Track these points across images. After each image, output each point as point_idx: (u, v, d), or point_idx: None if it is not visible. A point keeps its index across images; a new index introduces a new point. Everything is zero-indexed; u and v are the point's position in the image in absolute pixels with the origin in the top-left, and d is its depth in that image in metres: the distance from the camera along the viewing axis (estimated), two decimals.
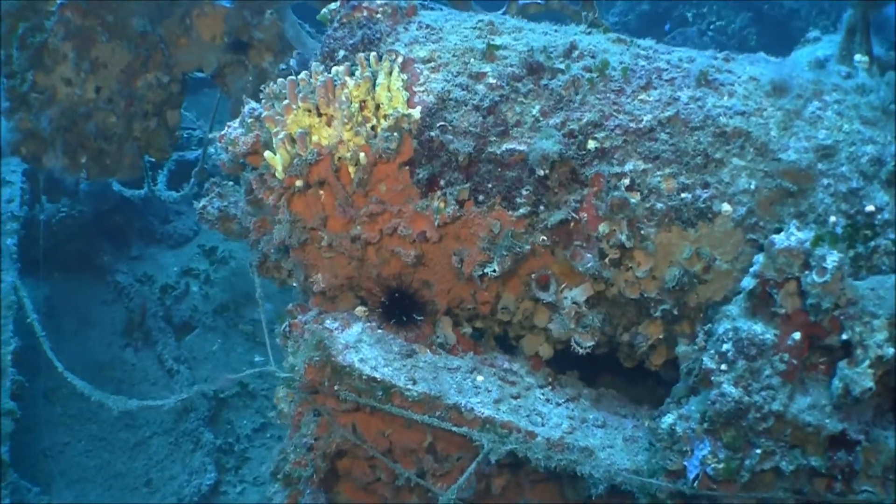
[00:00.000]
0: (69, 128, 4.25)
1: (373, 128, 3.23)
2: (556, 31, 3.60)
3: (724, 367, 2.93)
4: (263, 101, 3.31)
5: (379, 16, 3.56)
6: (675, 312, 3.28)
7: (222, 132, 3.51)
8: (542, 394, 3.39)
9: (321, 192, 3.31)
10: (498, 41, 3.44)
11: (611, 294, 3.35)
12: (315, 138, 3.19)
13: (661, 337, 3.39)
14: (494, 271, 3.23)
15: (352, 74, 3.26)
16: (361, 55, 3.22)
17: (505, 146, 3.27)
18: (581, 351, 3.31)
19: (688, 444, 3.03)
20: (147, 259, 7.23)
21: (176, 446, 5.99)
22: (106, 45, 4.20)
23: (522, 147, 3.25)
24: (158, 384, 6.25)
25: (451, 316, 3.58)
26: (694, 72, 3.36)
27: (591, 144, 3.23)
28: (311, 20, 5.25)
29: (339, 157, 3.23)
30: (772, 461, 2.90)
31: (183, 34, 4.59)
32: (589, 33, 3.60)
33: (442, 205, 3.26)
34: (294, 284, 3.66)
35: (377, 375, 3.22)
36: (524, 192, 3.26)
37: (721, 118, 3.22)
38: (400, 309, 3.47)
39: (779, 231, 3.15)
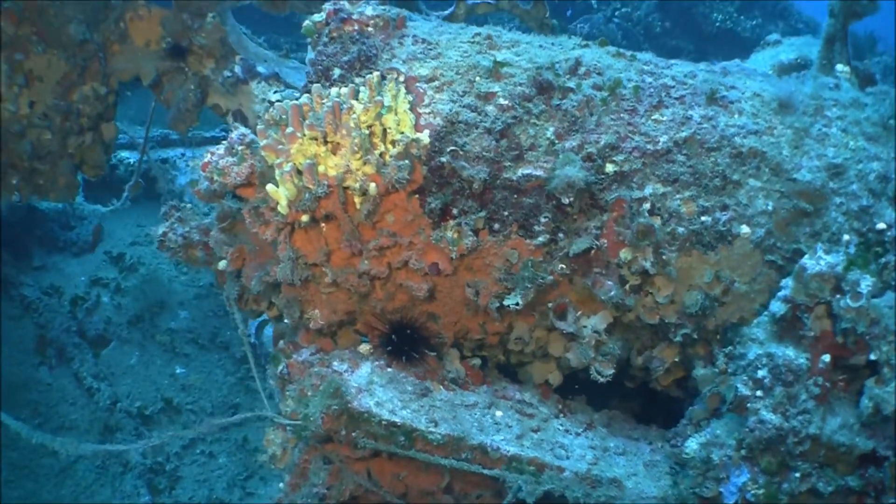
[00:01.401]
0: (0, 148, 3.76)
1: (381, 155, 2.99)
2: (552, 44, 3.44)
3: (759, 393, 2.92)
4: (261, 126, 3.00)
5: (370, 29, 3.30)
6: (695, 336, 3.23)
7: (205, 159, 3.18)
8: (560, 424, 3.29)
9: (324, 225, 3.06)
10: (500, 57, 3.26)
11: (627, 319, 3.27)
12: (321, 168, 2.93)
13: (676, 360, 3.34)
14: (518, 304, 3.08)
15: (356, 96, 3.01)
16: (372, 76, 2.97)
17: (521, 171, 3.11)
18: (602, 379, 3.22)
19: (723, 471, 3.00)
20: (51, 269, 6.62)
21: (103, 470, 5.55)
22: (41, 56, 3.72)
23: (539, 172, 3.10)
24: (78, 404, 5.75)
25: (456, 347, 3.41)
26: (701, 89, 3.30)
27: (610, 168, 3.12)
28: (247, 22, 4.91)
29: (347, 188, 2.98)
30: (808, 483, 2.92)
31: (117, 40, 4.15)
32: (585, 46, 3.47)
33: (456, 235, 3.07)
34: (286, 321, 3.38)
35: (397, 420, 3.03)
36: (543, 220, 3.11)
37: (736, 138, 3.17)
38: (406, 344, 3.27)
39: (797, 252, 3.17)
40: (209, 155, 3.18)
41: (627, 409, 3.85)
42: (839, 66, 3.71)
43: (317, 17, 3.35)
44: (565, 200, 3.03)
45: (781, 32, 9.43)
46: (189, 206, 3.90)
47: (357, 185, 2.96)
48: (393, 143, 3.03)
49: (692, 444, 3.15)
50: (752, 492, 2.93)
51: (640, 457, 3.30)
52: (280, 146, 2.93)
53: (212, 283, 6.94)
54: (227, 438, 6.01)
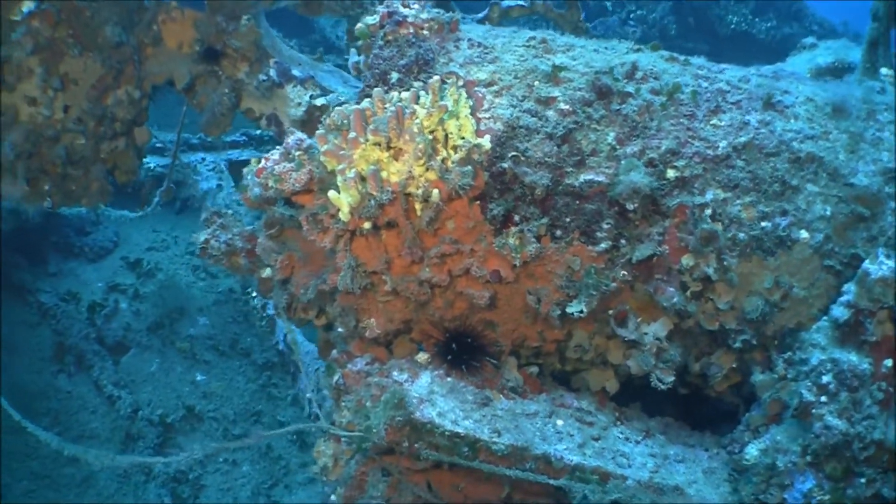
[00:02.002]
0: (33, 153, 3.66)
1: (443, 161, 2.95)
2: (605, 48, 3.42)
3: (824, 398, 2.91)
4: (321, 131, 2.94)
5: (425, 32, 3.26)
6: (753, 342, 3.22)
7: (260, 165, 3.12)
8: (620, 432, 3.26)
9: (384, 233, 3.01)
10: (557, 61, 3.23)
11: (685, 326, 3.25)
12: (384, 174, 2.88)
13: (733, 366, 3.33)
14: (582, 312, 3.05)
15: (417, 101, 2.97)
16: (434, 80, 2.92)
17: (583, 177, 3.08)
18: (662, 387, 3.20)
19: (787, 477, 2.99)
20: (67, 275, 6.52)
21: (126, 479, 5.46)
22: (77, 59, 3.62)
23: (601, 178, 3.07)
24: (98, 412, 5.66)
25: (513, 355, 3.37)
26: (756, 93, 3.29)
27: (671, 174, 3.10)
28: (278, 25, 4.84)
29: (408, 195, 2.94)
30: (873, 488, 2.92)
31: (150, 43, 4.06)
32: (638, 50, 3.45)
33: (518, 242, 3.04)
34: (340, 330, 3.32)
35: (460, 430, 2.98)
36: (605, 226, 3.08)
37: (794, 143, 3.17)
38: (464, 352, 3.23)
39: (854, 257, 3.17)
40: (264, 160, 3.13)
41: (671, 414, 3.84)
42: (884, 70, 3.72)
43: (369, 19, 3.30)
44: (630, 207, 3.00)
45: (796, 34, 9.52)
46: (230, 212, 3.84)
47: (419, 192, 2.92)
48: (454, 148, 2.99)
49: (752, 451, 3.14)
50: (818, 498, 2.92)
51: (699, 464, 3.28)
52: (342, 151, 2.87)
53: (231, 288, 6.88)
54: (250, 446, 5.94)
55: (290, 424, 5.93)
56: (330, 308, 3.34)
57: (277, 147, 3.15)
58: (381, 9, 3.30)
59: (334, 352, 3.36)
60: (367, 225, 2.90)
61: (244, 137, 7.15)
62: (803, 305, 3.21)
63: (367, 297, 3.21)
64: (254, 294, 5.93)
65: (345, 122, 2.92)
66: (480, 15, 4.42)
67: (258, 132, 7.20)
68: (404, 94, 2.96)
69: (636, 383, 3.53)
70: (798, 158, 3.15)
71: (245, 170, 3.23)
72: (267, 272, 3.78)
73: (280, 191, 3.05)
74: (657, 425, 3.45)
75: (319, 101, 3.95)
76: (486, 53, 3.27)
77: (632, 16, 8.95)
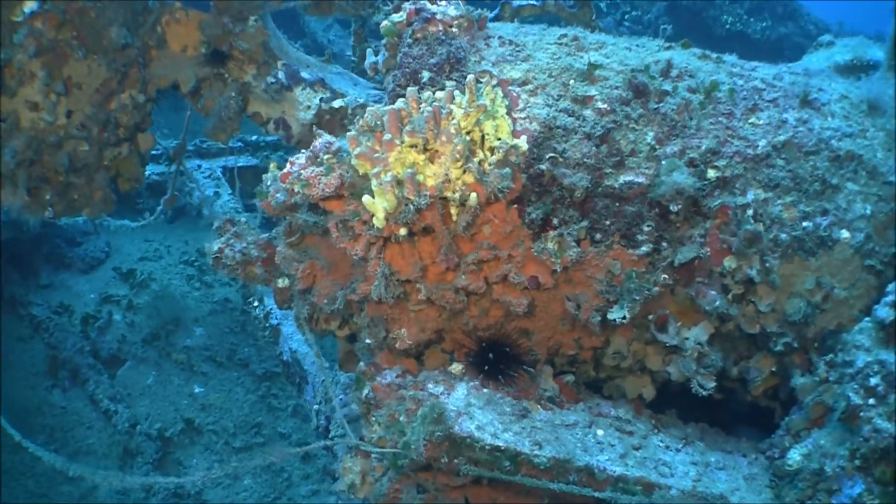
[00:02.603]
0: (34, 160, 3.47)
1: (479, 163, 2.83)
2: (637, 45, 3.33)
3: (872, 401, 2.84)
4: (353, 133, 2.80)
5: (454, 29, 3.14)
6: (794, 345, 3.15)
7: (285, 170, 2.97)
8: (660, 440, 3.17)
9: (418, 239, 2.89)
10: (592, 59, 3.13)
11: (725, 329, 3.17)
12: (420, 178, 2.76)
13: (773, 370, 3.25)
14: (624, 318, 2.95)
15: (452, 100, 2.85)
16: (470, 79, 2.80)
17: (622, 178, 2.98)
18: (703, 393, 3.11)
19: (835, 482, 2.92)
20: (59, 287, 6.30)
21: (125, 496, 5.26)
22: (81, 63, 3.44)
23: (641, 179, 2.97)
24: (95, 428, 5.45)
25: (548, 364, 3.26)
26: (792, 91, 3.22)
27: (712, 174, 3.01)
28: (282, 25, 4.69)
29: (444, 199, 2.82)
30: None
31: (155, 45, 3.89)
32: (669, 48, 3.36)
33: (557, 246, 2.93)
34: (368, 341, 3.18)
35: (500, 444, 2.87)
36: (646, 229, 2.99)
37: (833, 141, 3.10)
38: (499, 362, 3.11)
39: (895, 256, 3.11)
40: (289, 165, 2.99)
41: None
42: None
43: (396, 17, 3.18)
44: (673, 208, 2.91)
45: (791, 33, 9.53)
46: (244, 220, 3.69)
47: (457, 196, 2.80)
48: (491, 150, 2.87)
49: (795, 456, 3.06)
50: (868, 502, 2.86)
51: (739, 470, 3.19)
52: (376, 154, 2.74)
53: (226, 298, 6.70)
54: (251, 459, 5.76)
55: (293, 436, 5.79)
56: (358, 318, 3.20)
57: (303, 151, 3.01)
58: (407, 6, 3.17)
59: (361, 364, 3.22)
60: (402, 231, 2.77)
61: (240, 143, 6.97)
62: (844, 306, 3.14)
63: (398, 306, 3.08)
64: (255, 304, 5.76)
65: (378, 123, 2.79)
66: (491, 14, 4.31)
67: (254, 138, 7.02)
68: (439, 94, 2.84)
69: (668, 388, 3.45)
70: (837, 157, 3.09)
71: (266, 175, 3.09)
72: (284, 282, 3.64)
73: (308, 196, 2.91)
74: (694, 432, 3.36)
75: (338, 104, 3.80)
76: (518, 51, 3.16)
77: (626, 17, 8.91)
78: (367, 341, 3.19)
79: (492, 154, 2.86)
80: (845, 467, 2.88)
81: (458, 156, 2.75)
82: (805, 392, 3.13)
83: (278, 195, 3.07)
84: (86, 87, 3.53)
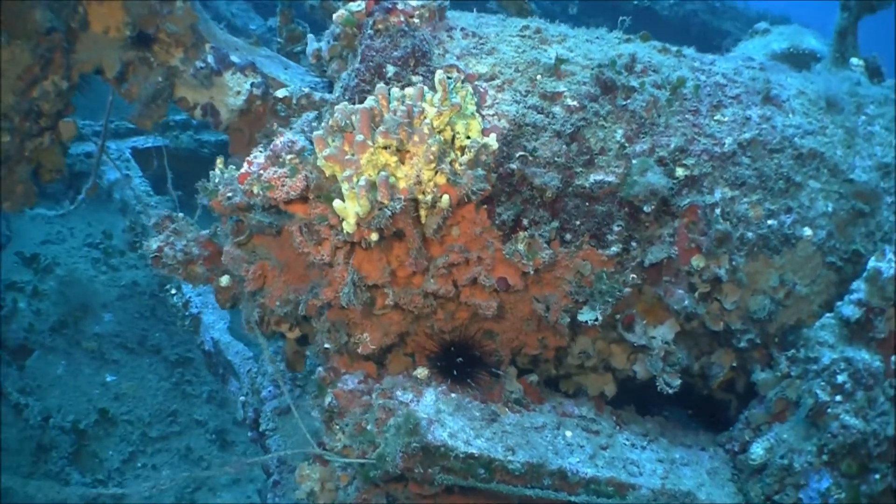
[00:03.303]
0: None
1: (451, 163, 2.71)
2: (597, 38, 3.26)
3: (839, 398, 2.89)
4: (321, 133, 2.63)
5: (416, 20, 2.99)
6: (757, 341, 3.17)
7: (243, 170, 2.78)
8: (626, 438, 3.15)
9: (386, 243, 2.75)
10: (556, 53, 3.04)
11: (689, 327, 3.16)
12: (391, 180, 2.62)
13: (734, 365, 3.27)
14: (597, 320, 2.90)
15: (423, 98, 2.71)
16: (440, 75, 2.67)
17: (592, 177, 2.91)
18: (669, 391, 3.10)
19: (802, 476, 2.97)
20: None
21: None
22: (5, 49, 3.12)
23: (611, 178, 2.91)
24: (5, 423, 5.09)
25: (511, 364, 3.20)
26: (753, 87, 3.21)
27: (680, 172, 2.98)
28: None
29: (415, 201, 2.69)
30: (885, 483, 2.93)
31: (77, 27, 3.58)
32: (628, 40, 3.30)
33: (526, 248, 2.85)
34: (327, 345, 3.04)
35: (474, 451, 2.79)
36: (616, 228, 2.93)
37: (796, 139, 3.11)
38: (463, 365, 3.03)
39: (855, 253, 3.16)
40: (246, 164, 2.79)
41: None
42: (854, 60, 3.73)
43: (354, 6, 2.99)
44: (647, 209, 2.87)
45: (697, 10, 9.65)
46: (181, 215, 3.47)
47: (428, 198, 2.67)
48: (461, 149, 2.75)
49: (758, 450, 3.10)
50: (836, 496, 2.91)
51: (702, 465, 3.21)
52: (348, 157, 2.58)
53: (135, 281, 6.38)
54: (169, 449, 5.57)
55: (209, 423, 5.62)
56: (315, 322, 3.05)
57: (259, 149, 2.82)
58: None
59: (319, 369, 3.08)
60: (374, 236, 2.63)
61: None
62: (804, 302, 3.18)
63: (361, 310, 2.95)
64: (172, 292, 5.49)
65: (348, 123, 2.63)
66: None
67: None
68: (409, 90, 2.69)
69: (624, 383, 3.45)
70: (801, 155, 3.10)
71: (213, 172, 2.89)
72: (225, 280, 3.45)
73: (268, 199, 2.73)
74: (654, 427, 3.36)
75: (282, 93, 3.58)
76: (482, 44, 3.04)
77: None
78: (326, 346, 3.04)
79: (462, 153, 2.74)
80: (813, 462, 2.93)
81: (431, 157, 2.62)
82: (766, 387, 3.17)
83: (233, 196, 2.88)
84: (8, 75, 3.22)
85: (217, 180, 3.01)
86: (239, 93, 4.04)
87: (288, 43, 4.61)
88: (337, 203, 2.59)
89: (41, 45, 3.29)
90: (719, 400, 3.56)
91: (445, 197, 2.68)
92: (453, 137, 2.75)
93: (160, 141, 6.68)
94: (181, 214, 3.47)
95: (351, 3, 3.00)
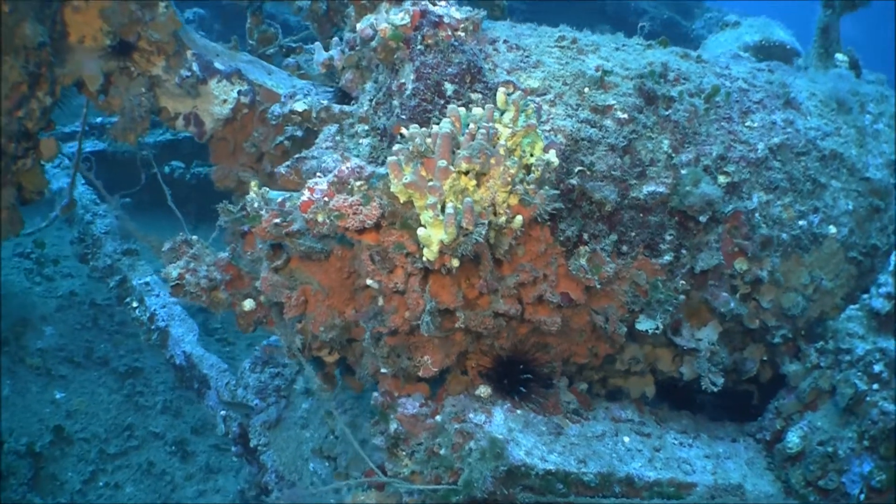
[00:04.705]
0: None
1: (521, 182, 2.68)
2: (623, 45, 3.28)
3: (876, 386, 3.06)
4: (400, 158, 2.52)
5: (461, 34, 2.91)
6: (790, 335, 3.31)
7: (305, 197, 2.63)
8: (674, 438, 3.24)
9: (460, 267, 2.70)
10: (595, 63, 3.04)
11: (727, 326, 3.27)
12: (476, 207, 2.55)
13: (764, 359, 3.41)
14: (657, 328, 2.95)
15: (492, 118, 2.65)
16: (505, 95, 2.61)
17: (646, 189, 2.94)
18: (714, 389, 3.20)
19: (845, 462, 3.13)
20: None
21: None
22: None
23: (662, 189, 2.96)
24: None
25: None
26: (772, 91, 3.33)
27: (722, 179, 3.06)
28: None
29: (489, 223, 2.64)
30: None
31: (58, 38, 3.28)
32: (649, 46, 3.35)
33: (588, 262, 2.86)
34: (384, 370, 2.95)
35: (551, 467, 2.81)
36: (668, 238, 2.99)
37: (818, 141, 3.25)
38: (523, 379, 3.02)
39: (873, 247, 3.35)
40: (308, 192, 2.65)
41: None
42: (839, 56, 3.91)
43: (397, 19, 2.88)
44: (702, 219, 2.93)
45: None
46: (196, 238, 3.28)
47: (502, 220, 2.63)
48: (527, 168, 2.72)
49: (793, 438, 3.24)
50: (877, 479, 3.09)
51: (740, 456, 3.34)
52: (430, 183, 2.50)
53: (72, 291, 6.00)
54: (129, 465, 5.32)
55: (167, 434, 5.39)
56: (374, 348, 2.95)
57: (319, 175, 2.69)
58: (408, 6, 2.89)
59: (375, 394, 3.00)
60: (455, 262, 2.57)
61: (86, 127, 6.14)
62: (829, 296, 3.34)
63: (418, 333, 2.88)
64: (135, 305, 5.20)
65: (427, 147, 2.53)
66: None
67: (99, 120, 6.24)
68: (477, 111, 2.62)
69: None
70: (824, 156, 3.25)
71: (250, 196, 2.74)
72: (249, 305, 3.31)
73: (337, 227, 2.61)
74: (690, 423, 3.47)
75: (300, 106, 3.39)
76: (527, 57, 3.00)
77: None
78: (384, 370, 2.95)
79: (528, 172, 2.71)
80: (854, 448, 3.09)
81: (508, 179, 2.58)
82: (797, 378, 3.31)
83: (288, 223, 2.74)
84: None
85: (257, 205, 2.86)
86: (225, 101, 3.85)
87: (260, 45, 4.40)
88: (421, 232, 2.50)
89: (31, 60, 3.00)
90: (741, 392, 3.70)
91: (518, 218, 2.65)
92: (520, 157, 2.71)
93: (99, 145, 6.26)
94: (195, 237, 3.29)
95: (393, 17, 2.88)
